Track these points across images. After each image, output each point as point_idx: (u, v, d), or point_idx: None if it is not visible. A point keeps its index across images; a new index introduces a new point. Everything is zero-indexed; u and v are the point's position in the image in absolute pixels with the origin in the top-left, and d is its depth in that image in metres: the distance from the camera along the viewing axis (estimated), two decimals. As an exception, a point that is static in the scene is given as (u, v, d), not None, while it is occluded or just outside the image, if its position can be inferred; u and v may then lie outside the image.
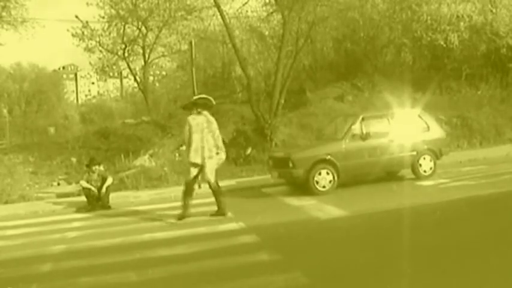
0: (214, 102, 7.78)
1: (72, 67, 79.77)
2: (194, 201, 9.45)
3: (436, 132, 10.20)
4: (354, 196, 8.79)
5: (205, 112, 7.51)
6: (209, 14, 17.95)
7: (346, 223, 6.76)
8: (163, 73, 29.54)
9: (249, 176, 12.22)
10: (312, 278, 4.37)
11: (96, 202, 9.56)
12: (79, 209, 9.61)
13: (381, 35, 19.22)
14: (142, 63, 20.56)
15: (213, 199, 9.76)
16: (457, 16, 16.36)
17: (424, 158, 9.82)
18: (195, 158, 7.35)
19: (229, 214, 7.89)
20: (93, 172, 9.83)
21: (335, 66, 19.96)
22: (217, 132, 7.47)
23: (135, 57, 20.31)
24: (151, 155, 13.84)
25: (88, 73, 65.18)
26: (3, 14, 16.70)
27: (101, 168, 10.24)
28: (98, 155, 15.20)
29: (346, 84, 17.87)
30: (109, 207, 9.48)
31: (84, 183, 9.69)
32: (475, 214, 6.54)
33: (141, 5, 18.39)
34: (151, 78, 26.28)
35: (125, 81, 39.60)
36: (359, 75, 18.17)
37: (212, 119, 7.53)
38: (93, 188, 9.60)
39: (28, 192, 11.82)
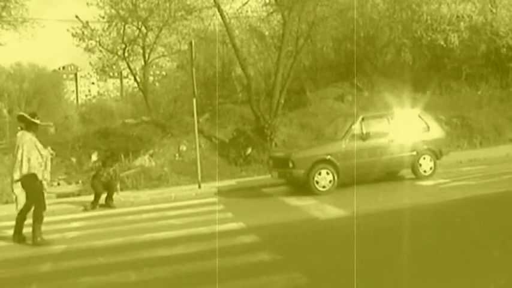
0: (29, 119, 6.88)
1: (72, 67, 79.80)
2: (193, 202, 9.50)
3: (436, 132, 10.21)
4: (354, 196, 8.78)
5: (22, 131, 6.89)
6: (209, 14, 17.95)
7: (346, 223, 6.75)
8: (163, 73, 29.51)
9: (249, 176, 12.23)
10: (312, 278, 4.37)
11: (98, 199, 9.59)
12: (86, 207, 9.64)
13: (381, 35, 19.23)
14: (142, 63, 20.55)
15: (211, 199, 9.81)
16: (457, 16, 16.36)
17: (424, 158, 9.82)
18: None
19: (229, 214, 7.90)
20: (109, 166, 9.84)
21: (335, 66, 19.96)
22: (21, 153, 6.76)
23: (135, 57, 20.30)
24: (151, 155, 13.84)
25: (88, 73, 65.19)
26: (3, 14, 16.70)
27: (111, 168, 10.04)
28: (98, 155, 15.22)
29: (346, 84, 17.88)
30: (113, 206, 9.56)
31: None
32: (475, 214, 6.54)
33: (141, 5, 18.38)
34: (151, 78, 26.25)
35: (124, 81, 39.56)
36: (359, 75, 18.16)
37: (24, 139, 6.80)
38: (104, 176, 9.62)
39: (28, 192, 11.79)
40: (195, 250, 5.74)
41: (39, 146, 6.90)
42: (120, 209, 9.29)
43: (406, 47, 18.49)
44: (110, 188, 9.72)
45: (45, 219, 8.80)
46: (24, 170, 6.72)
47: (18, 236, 6.97)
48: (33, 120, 6.91)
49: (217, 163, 13.52)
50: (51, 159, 7.18)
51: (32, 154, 6.76)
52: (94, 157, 10.03)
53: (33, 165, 6.76)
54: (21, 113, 7.19)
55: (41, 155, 6.87)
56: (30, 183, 6.79)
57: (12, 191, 6.92)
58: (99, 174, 9.75)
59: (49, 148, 7.12)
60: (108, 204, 9.65)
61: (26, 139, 6.81)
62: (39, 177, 6.87)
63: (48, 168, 7.06)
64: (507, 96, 16.35)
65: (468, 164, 11.24)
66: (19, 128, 7.03)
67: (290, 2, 14.20)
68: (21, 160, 6.72)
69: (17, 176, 6.76)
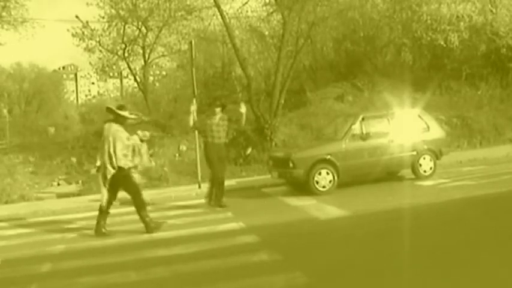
0: (116, 112, 7.03)
1: (72, 67, 79.78)
2: (193, 202, 9.50)
3: (436, 132, 10.20)
4: (354, 196, 8.79)
5: (110, 122, 7.09)
6: (209, 14, 17.96)
7: (346, 223, 6.76)
8: (163, 73, 29.47)
9: (249, 176, 12.23)
10: (312, 278, 4.37)
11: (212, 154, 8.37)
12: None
13: (381, 35, 19.23)
14: (142, 63, 20.54)
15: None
16: (457, 16, 16.35)
17: (424, 158, 9.82)
18: None
19: (229, 214, 7.90)
20: (215, 114, 8.52)
21: (335, 66, 19.97)
22: (107, 145, 6.94)
23: (135, 57, 20.28)
24: (151, 155, 13.83)
25: (88, 73, 65.18)
26: (3, 14, 16.69)
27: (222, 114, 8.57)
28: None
29: (346, 84, 17.88)
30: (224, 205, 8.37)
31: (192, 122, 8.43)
32: (475, 214, 6.54)
33: (141, 5, 18.37)
34: (151, 78, 26.21)
35: (124, 81, 39.54)
36: (359, 75, 18.17)
37: (111, 131, 6.94)
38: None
39: (28, 192, 11.83)
40: (195, 250, 5.73)
41: (125, 136, 6.95)
42: (120, 209, 9.28)
43: (406, 47, 18.50)
44: (223, 159, 8.50)
45: (45, 218, 8.87)
46: (114, 164, 6.82)
47: (102, 230, 7.07)
48: (119, 112, 7.01)
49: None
50: (147, 140, 7.24)
51: (117, 146, 6.83)
52: (193, 107, 8.60)
53: (119, 157, 6.84)
54: (109, 106, 7.33)
55: (126, 145, 6.92)
56: (123, 173, 6.89)
57: (104, 184, 6.99)
58: (203, 123, 8.46)
59: (142, 133, 7.18)
60: (218, 202, 8.42)
61: (112, 131, 6.90)
62: (130, 164, 6.94)
63: (143, 151, 7.13)
64: (507, 96, 16.33)
65: (468, 164, 11.24)
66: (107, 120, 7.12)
67: (290, 2, 14.20)
68: (109, 153, 6.81)
69: (110, 170, 6.83)
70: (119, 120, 6.99)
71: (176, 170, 12.86)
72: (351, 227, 6.43)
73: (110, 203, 7.12)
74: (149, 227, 6.97)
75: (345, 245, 5.54)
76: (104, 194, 7.03)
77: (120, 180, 6.92)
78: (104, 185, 6.98)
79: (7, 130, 31.53)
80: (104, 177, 6.92)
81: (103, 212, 7.11)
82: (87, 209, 9.60)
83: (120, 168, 6.84)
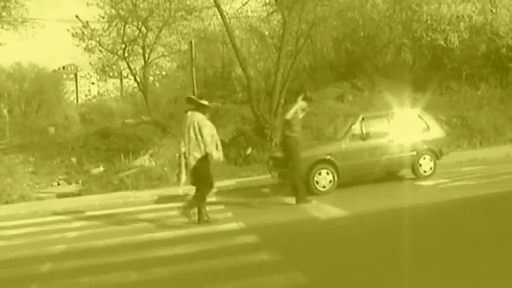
0: (198, 101, 7.10)
1: (72, 67, 79.87)
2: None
3: (436, 132, 10.20)
4: (354, 196, 8.79)
5: (192, 111, 7.16)
6: (209, 14, 18.02)
7: (345, 223, 6.76)
8: (163, 73, 29.53)
9: (249, 176, 12.21)
10: (312, 278, 4.37)
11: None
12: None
13: (381, 35, 19.26)
14: (142, 63, 20.60)
15: (211, 199, 9.79)
16: (457, 16, 16.40)
17: (424, 158, 9.81)
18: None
19: (229, 214, 7.90)
20: (303, 110, 8.24)
21: (335, 66, 19.99)
22: (193, 131, 7.02)
23: (135, 57, 20.36)
24: (151, 155, 13.84)
25: (88, 73, 65.29)
26: (3, 14, 16.74)
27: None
28: (98, 155, 15.23)
29: (346, 84, 17.89)
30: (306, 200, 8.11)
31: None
32: (475, 214, 6.54)
33: (141, 5, 18.43)
34: (151, 78, 26.28)
35: (124, 81, 39.68)
36: (359, 75, 18.18)
37: (196, 117, 7.02)
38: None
39: (28, 192, 11.82)
40: (195, 250, 5.73)
41: (210, 125, 7.03)
42: (120, 209, 9.29)
43: (406, 47, 18.54)
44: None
45: (45, 219, 8.87)
46: (203, 148, 6.85)
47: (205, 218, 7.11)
48: (201, 101, 7.07)
49: (218, 163, 13.52)
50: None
51: (204, 132, 6.89)
52: (301, 101, 8.08)
53: (208, 143, 6.89)
54: (190, 96, 7.42)
55: (211, 134, 6.98)
56: (204, 161, 6.93)
57: (183, 166, 7.00)
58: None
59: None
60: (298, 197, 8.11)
61: (199, 118, 6.95)
62: (214, 155, 6.98)
63: (220, 147, 7.16)
64: (507, 96, 16.36)
65: (468, 164, 11.23)
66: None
67: (290, 2, 14.20)
68: (196, 138, 6.86)
69: (196, 156, 6.87)
70: (201, 109, 7.05)
71: (176, 170, 12.84)
72: (351, 227, 6.43)
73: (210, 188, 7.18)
74: (202, 220, 7.06)
75: (345, 245, 5.54)
76: (183, 182, 7.07)
77: (198, 164, 6.91)
78: (185, 173, 7.00)
79: (7, 130, 31.54)
80: (187, 165, 6.96)
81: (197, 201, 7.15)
82: (88, 208, 9.62)
83: (206, 154, 6.88)
